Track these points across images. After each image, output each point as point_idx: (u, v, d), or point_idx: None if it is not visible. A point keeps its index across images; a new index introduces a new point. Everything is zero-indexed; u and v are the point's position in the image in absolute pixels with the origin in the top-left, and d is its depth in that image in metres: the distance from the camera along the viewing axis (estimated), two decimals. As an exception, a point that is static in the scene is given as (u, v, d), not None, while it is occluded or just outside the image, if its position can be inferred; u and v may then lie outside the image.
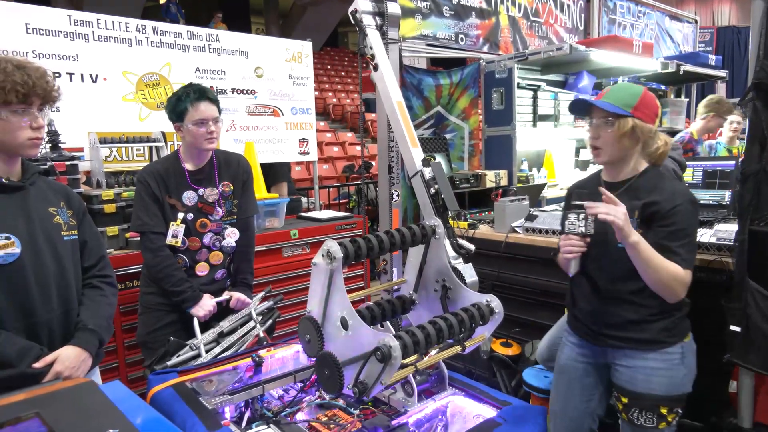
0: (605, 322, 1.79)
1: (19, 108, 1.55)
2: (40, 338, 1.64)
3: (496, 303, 1.41)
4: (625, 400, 1.76)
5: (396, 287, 1.76)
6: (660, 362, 1.71)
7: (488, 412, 1.61)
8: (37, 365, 1.58)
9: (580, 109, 1.82)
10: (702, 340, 1.81)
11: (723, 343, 1.85)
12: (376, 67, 1.88)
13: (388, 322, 1.65)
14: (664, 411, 1.71)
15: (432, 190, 1.66)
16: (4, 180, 1.60)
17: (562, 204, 2.16)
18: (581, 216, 1.68)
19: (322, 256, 1.31)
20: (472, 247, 1.60)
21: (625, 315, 1.74)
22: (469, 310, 1.38)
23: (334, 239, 1.34)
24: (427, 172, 1.68)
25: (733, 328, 1.79)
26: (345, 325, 1.29)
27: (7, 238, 1.56)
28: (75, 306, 1.75)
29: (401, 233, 1.43)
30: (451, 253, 1.56)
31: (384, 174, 2.01)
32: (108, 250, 2.72)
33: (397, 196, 2.02)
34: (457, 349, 1.37)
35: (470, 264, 1.60)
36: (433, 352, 1.43)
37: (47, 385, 0.87)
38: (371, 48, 1.93)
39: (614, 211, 1.59)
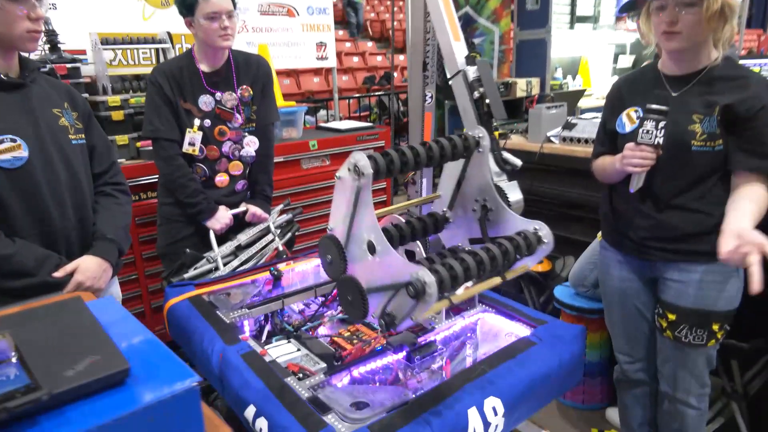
0: (662, 236, 1.63)
1: None
2: (58, 247, 1.59)
3: (545, 232, 1.23)
4: (672, 316, 1.64)
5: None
6: (716, 275, 1.56)
7: (521, 330, 1.51)
8: (57, 274, 1.53)
9: None
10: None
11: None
12: None
13: (419, 242, 1.50)
14: (715, 327, 1.60)
15: (476, 94, 1.43)
16: (2, 76, 1.47)
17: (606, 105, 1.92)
18: (660, 125, 1.47)
19: (348, 170, 1.12)
20: (518, 162, 1.41)
21: (685, 227, 1.57)
22: (514, 239, 1.20)
23: (360, 151, 1.15)
24: (471, 72, 1.43)
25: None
26: (372, 249, 1.13)
27: (13, 140, 1.45)
28: (90, 214, 1.68)
29: (440, 145, 1.24)
30: (495, 168, 1.38)
31: (417, 72, 1.72)
32: (119, 160, 2.61)
33: (431, 98, 1.76)
34: (497, 280, 1.21)
35: (515, 182, 1.42)
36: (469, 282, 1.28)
37: (29, 302, 0.76)
38: None
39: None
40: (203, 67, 2.18)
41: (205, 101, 2.18)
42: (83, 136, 1.67)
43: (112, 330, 0.66)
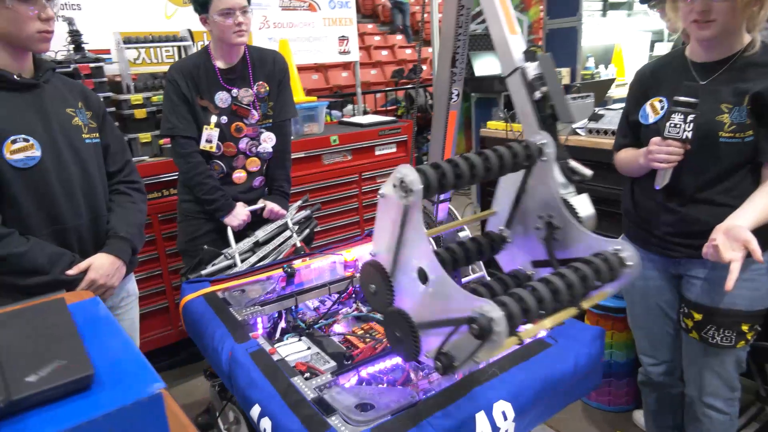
0: (686, 232, 1.55)
1: None
2: (71, 246, 1.60)
3: (628, 254, 1.04)
4: (698, 316, 1.55)
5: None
6: (745, 272, 1.46)
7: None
8: (70, 272, 1.55)
9: None
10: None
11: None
12: None
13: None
14: (744, 328, 1.50)
15: (537, 94, 1.20)
16: (15, 76, 1.48)
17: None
18: (689, 118, 1.39)
19: (394, 186, 0.97)
20: (589, 171, 1.19)
21: (711, 222, 1.48)
22: (592, 262, 1.02)
23: (407, 165, 0.95)
24: (532, 70, 1.20)
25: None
26: (424, 278, 0.98)
27: (26, 140, 1.47)
28: (104, 212, 1.69)
29: (498, 155, 1.07)
30: (560, 179, 1.17)
31: (444, 67, 1.55)
32: (142, 158, 2.65)
33: (458, 95, 1.61)
34: (572, 311, 1.02)
35: (586, 195, 1.20)
36: None
37: (16, 304, 0.76)
38: None
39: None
40: (219, 64, 2.18)
41: (222, 98, 2.18)
42: (97, 135, 1.67)
43: (88, 333, 0.65)
